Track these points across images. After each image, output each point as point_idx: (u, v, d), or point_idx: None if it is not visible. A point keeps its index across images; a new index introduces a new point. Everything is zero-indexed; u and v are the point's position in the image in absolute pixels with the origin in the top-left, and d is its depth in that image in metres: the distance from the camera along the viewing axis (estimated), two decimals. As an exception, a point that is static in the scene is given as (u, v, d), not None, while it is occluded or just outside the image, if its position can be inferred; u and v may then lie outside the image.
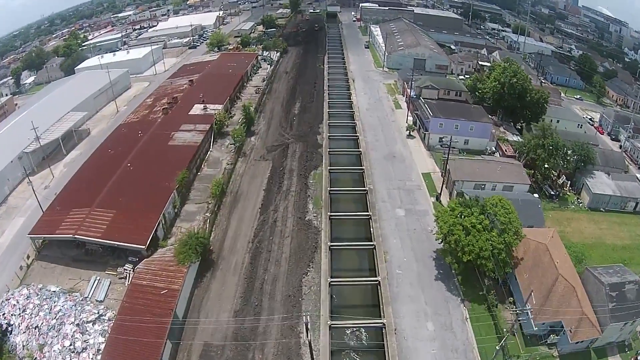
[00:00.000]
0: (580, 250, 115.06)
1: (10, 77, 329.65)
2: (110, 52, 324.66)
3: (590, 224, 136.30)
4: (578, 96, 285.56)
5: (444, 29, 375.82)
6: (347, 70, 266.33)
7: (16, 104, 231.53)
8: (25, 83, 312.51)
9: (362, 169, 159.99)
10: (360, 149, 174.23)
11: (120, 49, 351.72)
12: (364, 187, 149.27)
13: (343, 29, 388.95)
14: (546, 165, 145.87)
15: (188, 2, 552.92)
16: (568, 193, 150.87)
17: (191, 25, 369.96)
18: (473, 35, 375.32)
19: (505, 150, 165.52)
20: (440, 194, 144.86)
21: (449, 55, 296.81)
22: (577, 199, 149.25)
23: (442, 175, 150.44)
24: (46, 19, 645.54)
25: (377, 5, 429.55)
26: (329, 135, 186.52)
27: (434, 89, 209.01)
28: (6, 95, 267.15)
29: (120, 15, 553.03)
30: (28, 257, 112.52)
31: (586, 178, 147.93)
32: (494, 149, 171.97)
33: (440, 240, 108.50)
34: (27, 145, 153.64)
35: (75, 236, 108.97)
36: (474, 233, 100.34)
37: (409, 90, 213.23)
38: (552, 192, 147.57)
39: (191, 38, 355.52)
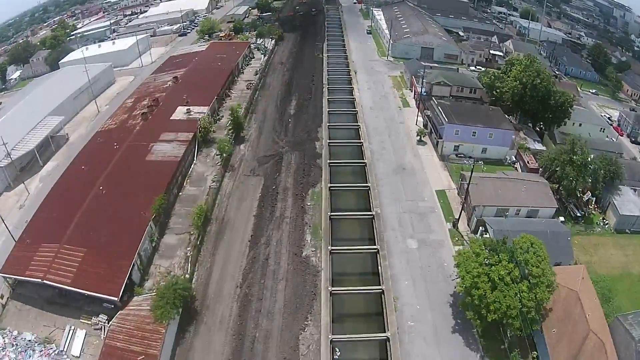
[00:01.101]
0: (607, 286, 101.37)
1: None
2: (98, 41, 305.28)
3: (616, 250, 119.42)
4: (593, 90, 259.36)
5: (450, 12, 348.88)
6: (348, 61, 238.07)
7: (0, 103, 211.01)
8: (12, 79, 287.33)
9: (367, 187, 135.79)
10: (364, 160, 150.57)
11: (109, 37, 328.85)
12: (370, 211, 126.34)
13: (343, 12, 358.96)
14: (575, 186, 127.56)
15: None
16: (593, 212, 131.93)
17: (181, 11, 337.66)
18: (481, 21, 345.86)
19: (528, 162, 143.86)
20: (458, 220, 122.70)
21: (458, 43, 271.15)
22: (603, 218, 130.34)
23: (458, 194, 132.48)
24: (41, 6, 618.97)
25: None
26: (329, 143, 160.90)
27: (446, 85, 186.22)
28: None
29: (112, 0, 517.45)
30: (2, 296, 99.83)
31: (613, 196, 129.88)
32: (514, 159, 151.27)
33: (462, 292, 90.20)
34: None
35: (44, 281, 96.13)
36: (502, 287, 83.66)
37: (418, 88, 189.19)
38: (578, 214, 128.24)
39: (181, 25, 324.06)
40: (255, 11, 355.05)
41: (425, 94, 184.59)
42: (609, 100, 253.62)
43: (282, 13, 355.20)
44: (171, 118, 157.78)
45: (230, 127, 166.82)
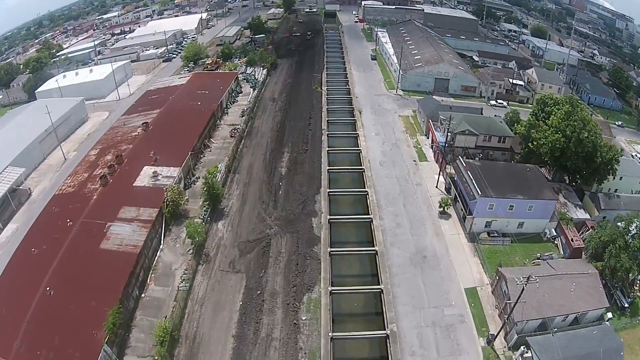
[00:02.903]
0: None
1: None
2: (82, 64, 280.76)
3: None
4: (619, 122, 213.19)
5: (459, 31, 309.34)
6: (351, 96, 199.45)
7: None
8: None
9: (379, 289, 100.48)
10: (375, 247, 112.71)
11: (92, 60, 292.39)
12: (384, 329, 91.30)
13: (343, 32, 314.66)
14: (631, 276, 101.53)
15: (175, 1, 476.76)
16: (638, 294, 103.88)
17: (164, 34, 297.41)
18: (494, 42, 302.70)
19: (572, 240, 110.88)
20: (496, 336, 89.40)
21: (475, 71, 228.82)
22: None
23: (493, 292, 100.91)
24: (37, 20, 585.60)
25: (381, 3, 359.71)
26: (329, 219, 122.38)
27: (471, 135, 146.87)
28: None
29: (105, 16, 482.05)
30: None
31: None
32: (555, 232, 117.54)
33: None
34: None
35: None
36: None
37: (437, 136, 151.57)
38: (625, 303, 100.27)
39: (166, 49, 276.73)
40: (248, 31, 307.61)
41: (446, 145, 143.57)
42: (636, 132, 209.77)
43: (277, 34, 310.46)
44: (134, 184, 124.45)
45: (205, 199, 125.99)
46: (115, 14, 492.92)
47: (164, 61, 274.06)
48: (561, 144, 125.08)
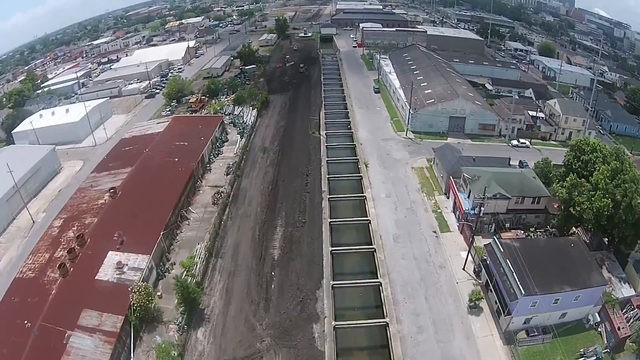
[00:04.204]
0: None
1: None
2: (65, 98, 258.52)
3: None
4: None
5: (465, 54, 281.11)
6: (354, 143, 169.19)
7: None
8: None
9: None
10: None
11: (75, 94, 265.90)
12: None
13: (342, 59, 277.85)
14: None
15: (166, 27, 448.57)
16: None
17: (146, 67, 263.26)
18: (505, 65, 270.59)
19: (619, 328, 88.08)
20: None
21: (491, 104, 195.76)
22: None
23: None
24: (31, 44, 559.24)
25: (380, 25, 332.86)
26: (335, 326, 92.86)
27: (503, 199, 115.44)
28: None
29: (95, 42, 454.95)
30: None
31: None
32: (598, 318, 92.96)
33: None
34: None
35: None
36: None
37: (461, 200, 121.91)
38: None
39: (149, 83, 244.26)
40: (237, 62, 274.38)
41: (473, 212, 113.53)
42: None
43: (269, 64, 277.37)
44: (97, 277, 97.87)
45: (179, 302, 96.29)
46: (106, 39, 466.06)
47: (146, 97, 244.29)
48: (609, 210, 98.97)
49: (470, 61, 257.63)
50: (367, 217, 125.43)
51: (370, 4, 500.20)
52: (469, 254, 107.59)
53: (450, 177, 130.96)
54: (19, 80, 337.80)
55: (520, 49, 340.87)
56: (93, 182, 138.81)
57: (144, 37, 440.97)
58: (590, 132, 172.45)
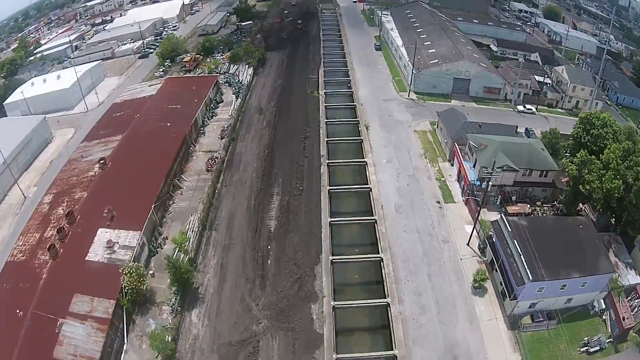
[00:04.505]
0: None
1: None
2: (58, 62, 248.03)
3: None
4: None
5: (468, 12, 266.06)
6: (355, 103, 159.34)
7: None
8: None
9: None
10: (394, 350, 79.11)
11: (68, 58, 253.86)
12: None
13: (342, 15, 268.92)
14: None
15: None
16: None
17: (139, 26, 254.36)
18: (510, 27, 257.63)
19: (624, 318, 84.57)
20: None
21: (497, 66, 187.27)
22: None
23: None
24: (26, 9, 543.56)
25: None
26: (334, 306, 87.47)
27: (510, 170, 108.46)
28: None
29: (89, 3, 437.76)
30: None
31: None
32: (604, 305, 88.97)
33: None
34: None
35: None
36: None
37: (466, 169, 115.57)
38: None
39: (142, 43, 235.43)
40: (234, 18, 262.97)
41: (479, 184, 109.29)
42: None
43: (267, 20, 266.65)
44: (87, 257, 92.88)
45: (172, 282, 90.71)
46: (99, 0, 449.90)
47: (140, 57, 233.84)
48: (620, 192, 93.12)
49: (474, 20, 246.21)
50: (367, 184, 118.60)
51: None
52: (474, 230, 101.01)
53: (455, 143, 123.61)
54: (12, 48, 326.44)
55: (525, 10, 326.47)
56: (83, 153, 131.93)
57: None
58: (597, 102, 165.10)
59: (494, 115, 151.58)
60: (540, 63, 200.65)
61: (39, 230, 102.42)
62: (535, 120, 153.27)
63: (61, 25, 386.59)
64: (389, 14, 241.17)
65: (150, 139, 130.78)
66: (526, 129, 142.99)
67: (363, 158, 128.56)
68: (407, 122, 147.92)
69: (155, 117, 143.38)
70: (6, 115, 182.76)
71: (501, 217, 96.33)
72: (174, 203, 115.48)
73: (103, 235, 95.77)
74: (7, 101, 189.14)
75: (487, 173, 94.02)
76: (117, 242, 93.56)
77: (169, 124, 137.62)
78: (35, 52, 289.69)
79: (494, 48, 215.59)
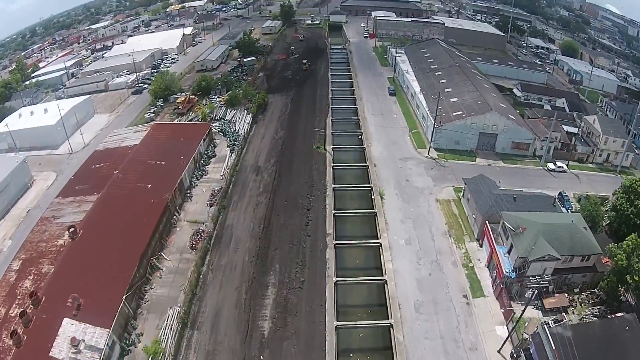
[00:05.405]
0: None
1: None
2: (52, 90, 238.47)
3: None
4: None
5: (485, 49, 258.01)
6: (367, 163, 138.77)
7: None
8: None
9: None
10: None
11: (63, 85, 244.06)
12: None
13: (352, 52, 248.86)
14: None
15: (167, 10, 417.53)
16: None
17: (132, 57, 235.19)
18: (531, 67, 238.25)
19: None
20: None
21: (517, 109, 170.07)
22: None
23: None
24: (32, 27, 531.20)
25: (393, 14, 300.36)
26: None
27: (551, 259, 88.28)
28: None
29: (94, 26, 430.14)
30: None
31: None
32: None
33: None
34: None
35: None
36: None
37: (499, 256, 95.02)
38: None
39: (137, 77, 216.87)
40: (236, 52, 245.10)
41: (514, 274, 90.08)
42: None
43: (271, 56, 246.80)
44: (51, 354, 77.55)
45: None
46: (105, 23, 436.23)
47: (133, 93, 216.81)
48: None
49: (494, 60, 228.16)
50: (382, 275, 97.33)
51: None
52: (509, 336, 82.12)
53: (487, 222, 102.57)
54: (8, 70, 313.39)
55: (542, 47, 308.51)
56: (55, 212, 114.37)
57: (143, 21, 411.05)
58: (628, 154, 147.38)
59: (523, 176, 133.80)
60: (568, 110, 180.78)
61: (5, 305, 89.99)
62: (566, 180, 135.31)
63: (63, 48, 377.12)
64: (403, 52, 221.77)
65: (128, 205, 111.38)
66: (560, 193, 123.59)
67: (377, 239, 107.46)
68: (427, 189, 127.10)
69: (135, 175, 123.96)
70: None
71: (543, 328, 78.51)
72: (151, 289, 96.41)
73: (68, 327, 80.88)
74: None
75: (524, 263, 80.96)
76: (83, 341, 78.06)
77: (149, 186, 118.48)
78: (32, 75, 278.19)
79: (517, 93, 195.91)
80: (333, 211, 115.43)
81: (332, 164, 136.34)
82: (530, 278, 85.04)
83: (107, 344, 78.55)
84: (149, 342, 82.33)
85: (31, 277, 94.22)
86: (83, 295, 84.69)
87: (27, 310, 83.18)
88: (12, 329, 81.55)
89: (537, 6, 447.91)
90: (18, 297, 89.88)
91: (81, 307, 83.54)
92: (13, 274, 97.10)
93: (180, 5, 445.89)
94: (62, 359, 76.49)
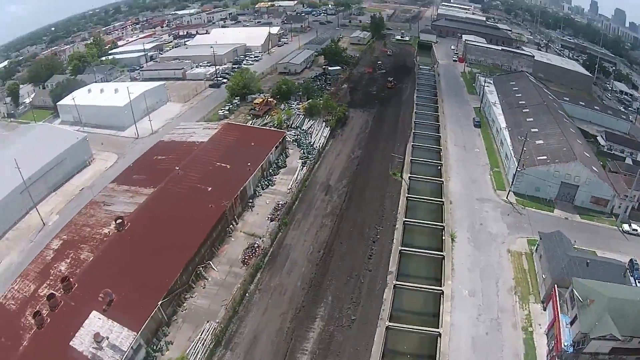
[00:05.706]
0: None
1: (7, 94, 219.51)
2: (129, 70, 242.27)
3: None
4: None
5: (571, 88, 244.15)
6: (442, 199, 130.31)
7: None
8: (24, 102, 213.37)
9: None
10: None
11: (140, 66, 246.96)
12: None
13: (439, 75, 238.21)
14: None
15: (256, 6, 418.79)
16: None
17: (213, 50, 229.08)
18: (615, 114, 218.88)
19: None
20: None
21: (607, 170, 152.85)
22: None
23: None
24: (118, 3, 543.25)
25: (483, 40, 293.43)
26: None
27: (612, 339, 78.89)
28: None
29: (180, 12, 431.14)
30: None
31: None
32: None
33: None
34: None
35: None
36: None
37: (561, 326, 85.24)
38: None
39: (217, 69, 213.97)
40: (322, 59, 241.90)
41: (571, 349, 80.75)
42: None
43: (357, 67, 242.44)
44: (71, 343, 75.60)
45: None
46: (191, 11, 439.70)
47: (210, 86, 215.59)
48: None
49: (580, 102, 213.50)
50: (438, 327, 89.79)
51: (473, 13, 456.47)
52: None
53: (556, 286, 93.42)
54: (85, 43, 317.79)
55: (626, 92, 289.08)
56: (107, 198, 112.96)
57: (230, 14, 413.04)
58: None
59: (595, 235, 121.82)
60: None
61: (36, 282, 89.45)
62: (638, 244, 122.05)
63: (145, 29, 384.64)
64: (491, 82, 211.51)
65: (183, 205, 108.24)
66: (631, 260, 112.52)
67: (440, 285, 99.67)
68: (501, 237, 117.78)
69: (196, 174, 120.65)
70: (59, 116, 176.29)
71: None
72: (191, 297, 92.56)
73: (95, 321, 79.07)
74: (60, 102, 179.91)
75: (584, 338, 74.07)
76: (107, 338, 75.94)
77: (209, 189, 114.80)
78: (109, 52, 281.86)
79: (601, 142, 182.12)
80: (400, 247, 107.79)
81: (407, 194, 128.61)
82: (587, 355, 78.10)
83: (132, 347, 75.48)
84: (177, 352, 78.96)
85: (68, 261, 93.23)
86: (117, 292, 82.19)
87: (57, 294, 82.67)
88: (37, 308, 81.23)
89: (622, 47, 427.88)
90: (50, 278, 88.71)
91: (112, 304, 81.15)
92: (51, 252, 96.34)
93: (269, 3, 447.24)
94: (81, 351, 74.82)
